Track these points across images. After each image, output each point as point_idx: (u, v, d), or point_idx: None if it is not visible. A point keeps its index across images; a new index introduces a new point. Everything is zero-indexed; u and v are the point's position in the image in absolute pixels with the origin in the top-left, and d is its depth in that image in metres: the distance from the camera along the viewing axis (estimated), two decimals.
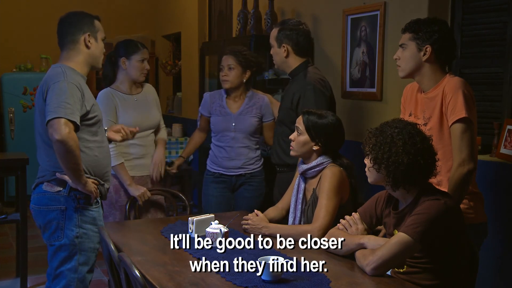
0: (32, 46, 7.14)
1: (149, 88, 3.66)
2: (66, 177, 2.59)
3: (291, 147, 2.72)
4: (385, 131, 2.13)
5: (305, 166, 2.68)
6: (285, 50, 3.24)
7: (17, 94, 6.69)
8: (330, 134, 2.64)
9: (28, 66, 6.93)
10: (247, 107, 3.58)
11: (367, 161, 2.20)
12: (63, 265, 2.64)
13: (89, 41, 2.69)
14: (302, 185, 2.70)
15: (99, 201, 2.75)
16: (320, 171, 2.64)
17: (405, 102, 2.68)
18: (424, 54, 2.48)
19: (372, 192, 2.40)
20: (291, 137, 2.71)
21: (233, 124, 3.56)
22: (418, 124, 2.21)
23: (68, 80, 2.54)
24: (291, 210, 2.72)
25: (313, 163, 2.65)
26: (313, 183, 2.67)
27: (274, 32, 3.31)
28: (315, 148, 2.64)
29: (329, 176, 2.57)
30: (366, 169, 2.22)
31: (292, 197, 2.73)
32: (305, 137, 2.65)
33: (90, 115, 2.64)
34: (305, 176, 2.71)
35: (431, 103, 2.48)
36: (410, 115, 2.61)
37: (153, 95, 3.65)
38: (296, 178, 2.77)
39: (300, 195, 2.69)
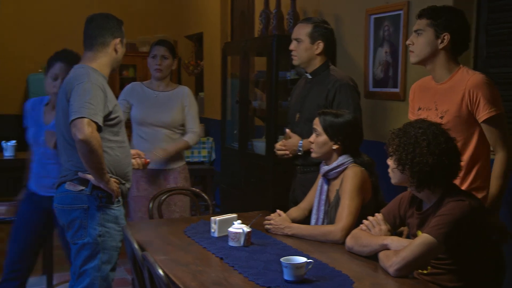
0: (58, 47, 7.21)
1: (182, 90, 3.72)
2: (89, 176, 2.62)
3: (311, 149, 2.72)
4: (409, 131, 2.12)
5: (326, 168, 2.68)
6: (317, 47, 3.20)
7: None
8: (348, 131, 2.64)
9: None
10: None
11: (390, 162, 2.18)
12: (87, 264, 2.67)
13: (118, 46, 2.75)
14: (325, 187, 2.70)
15: (121, 200, 2.78)
16: (342, 171, 2.64)
17: (414, 99, 2.65)
18: (442, 42, 2.45)
19: (394, 192, 2.38)
20: (311, 139, 2.71)
21: None
22: (442, 124, 2.18)
23: (92, 81, 2.58)
24: (314, 211, 2.72)
25: (334, 163, 2.65)
26: (335, 184, 2.66)
27: (305, 27, 3.20)
28: (334, 147, 2.64)
29: (351, 176, 2.57)
30: (389, 170, 2.20)
31: (315, 198, 2.73)
32: (323, 137, 2.65)
33: (112, 116, 2.67)
34: (327, 178, 2.71)
35: (448, 95, 2.44)
36: (419, 109, 2.58)
37: (181, 98, 3.67)
38: (319, 179, 2.76)
39: (323, 197, 2.68)
